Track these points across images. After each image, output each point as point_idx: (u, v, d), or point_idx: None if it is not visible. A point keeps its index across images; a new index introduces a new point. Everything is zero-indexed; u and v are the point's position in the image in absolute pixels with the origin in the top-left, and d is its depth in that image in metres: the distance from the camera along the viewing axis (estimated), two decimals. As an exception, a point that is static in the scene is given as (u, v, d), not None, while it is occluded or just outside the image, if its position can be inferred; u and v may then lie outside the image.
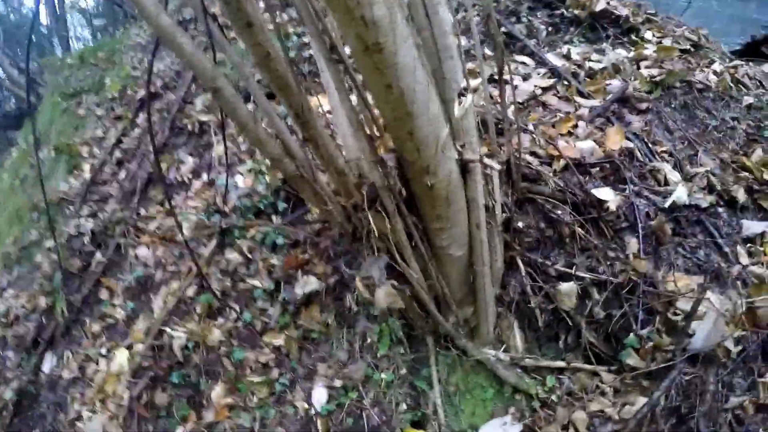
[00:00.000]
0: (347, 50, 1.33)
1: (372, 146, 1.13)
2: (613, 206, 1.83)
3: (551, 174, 1.84)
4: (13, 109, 5.57)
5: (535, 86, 2.30)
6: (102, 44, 4.43)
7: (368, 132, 1.15)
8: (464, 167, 1.25)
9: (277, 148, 1.18)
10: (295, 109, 1.19)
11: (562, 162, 1.87)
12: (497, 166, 1.15)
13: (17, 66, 5.52)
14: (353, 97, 1.28)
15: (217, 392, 2.10)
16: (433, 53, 1.27)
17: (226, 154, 1.62)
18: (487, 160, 1.10)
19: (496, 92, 1.83)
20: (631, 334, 1.80)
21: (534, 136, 1.95)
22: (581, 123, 2.12)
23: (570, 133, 2.07)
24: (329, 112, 1.67)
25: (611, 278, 1.75)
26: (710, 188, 2.08)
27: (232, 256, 1.97)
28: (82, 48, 5.35)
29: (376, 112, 1.33)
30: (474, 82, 1.36)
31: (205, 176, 2.29)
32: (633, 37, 2.96)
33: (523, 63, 2.47)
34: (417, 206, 1.27)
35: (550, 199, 1.78)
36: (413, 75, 1.05)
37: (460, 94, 1.18)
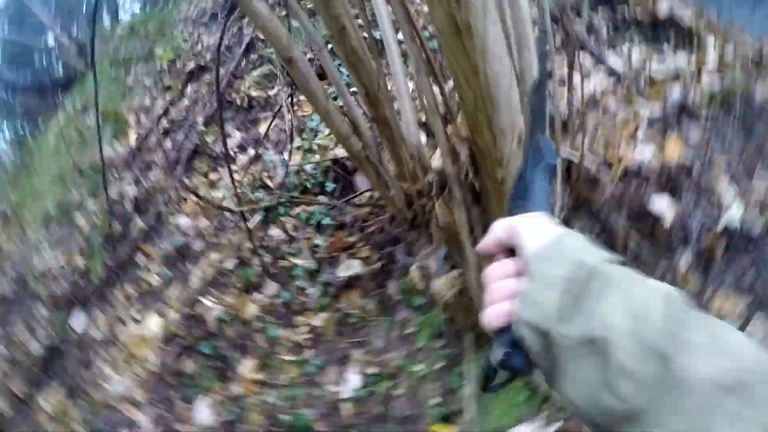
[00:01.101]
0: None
1: (446, 132, 1.09)
2: (668, 219, 1.76)
3: (609, 180, 1.78)
4: (61, 76, 5.69)
5: (594, 87, 2.23)
6: (151, 16, 4.49)
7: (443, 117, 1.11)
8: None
9: (345, 125, 1.16)
10: (367, 87, 1.16)
11: (621, 167, 1.81)
12: (575, 158, 1.10)
13: (68, 33, 5.62)
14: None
15: (247, 367, 2.10)
16: (512, 43, 1.23)
17: (292, 126, 1.60)
18: (565, 152, 1.06)
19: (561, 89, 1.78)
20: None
21: (594, 138, 1.88)
22: (641, 129, 2.05)
23: (631, 138, 2.00)
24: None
25: (663, 291, 1.69)
26: (764, 210, 1.99)
27: (276, 232, 1.96)
28: (132, 19, 5.43)
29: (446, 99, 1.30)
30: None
31: (251, 151, 2.28)
32: (694, 43, 2.84)
33: (582, 62, 2.40)
34: (482, 200, 1.23)
35: (605, 205, 1.72)
36: (500, 61, 1.01)
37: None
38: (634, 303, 0.42)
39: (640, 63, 2.56)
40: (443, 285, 1.21)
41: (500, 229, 0.55)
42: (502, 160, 1.07)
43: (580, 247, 0.48)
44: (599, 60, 2.44)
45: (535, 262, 0.48)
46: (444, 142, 1.08)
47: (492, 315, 0.50)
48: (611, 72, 2.36)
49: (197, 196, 1.94)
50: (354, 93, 1.33)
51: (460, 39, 0.95)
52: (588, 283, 0.44)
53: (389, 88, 1.61)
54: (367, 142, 1.16)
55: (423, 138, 1.37)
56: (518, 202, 0.60)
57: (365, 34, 1.27)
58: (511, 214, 0.58)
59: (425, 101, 1.08)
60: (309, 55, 1.99)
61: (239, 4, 1.13)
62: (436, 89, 1.18)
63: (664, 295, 0.42)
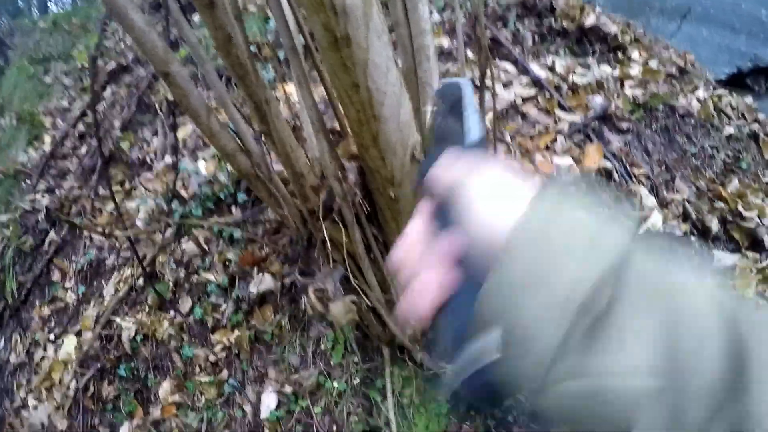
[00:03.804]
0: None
1: (333, 151, 1.05)
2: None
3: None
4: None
5: (516, 95, 2.25)
6: (78, 10, 4.24)
7: (330, 135, 1.07)
8: (432, 178, 1.18)
9: (232, 142, 1.09)
10: (255, 101, 1.10)
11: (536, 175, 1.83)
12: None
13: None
14: (318, 92, 1.20)
15: (165, 389, 2.00)
16: (409, 53, 1.19)
17: (176, 141, 1.51)
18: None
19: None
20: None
21: (510, 147, 1.89)
22: (560, 138, 2.08)
23: (548, 148, 2.03)
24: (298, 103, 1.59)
25: (576, 300, 1.71)
26: (685, 216, 2.07)
27: (188, 246, 1.87)
28: (57, 12, 5.12)
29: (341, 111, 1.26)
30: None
31: (168, 158, 2.17)
32: (619, 55, 2.93)
33: (506, 70, 2.42)
34: (378, 217, 1.19)
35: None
36: (385, 75, 0.96)
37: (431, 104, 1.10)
38: (681, 332, 0.25)
39: (564, 72, 2.61)
40: (340, 310, 1.17)
41: (432, 185, 0.36)
42: (392, 178, 1.04)
43: (587, 222, 0.28)
44: (523, 69, 2.47)
45: (515, 259, 0.28)
46: (329, 161, 1.04)
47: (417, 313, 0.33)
48: (534, 81, 2.40)
49: (99, 231, 1.82)
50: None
51: (338, 52, 0.90)
52: (613, 305, 0.26)
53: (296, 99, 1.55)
54: (255, 159, 1.10)
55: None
56: (439, 143, 0.44)
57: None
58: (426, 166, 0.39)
59: (310, 116, 1.03)
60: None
61: (112, 14, 1.04)
62: (324, 103, 1.13)
63: (720, 314, 0.26)
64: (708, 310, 0.26)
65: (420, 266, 0.35)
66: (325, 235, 1.06)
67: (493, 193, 0.32)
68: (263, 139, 1.12)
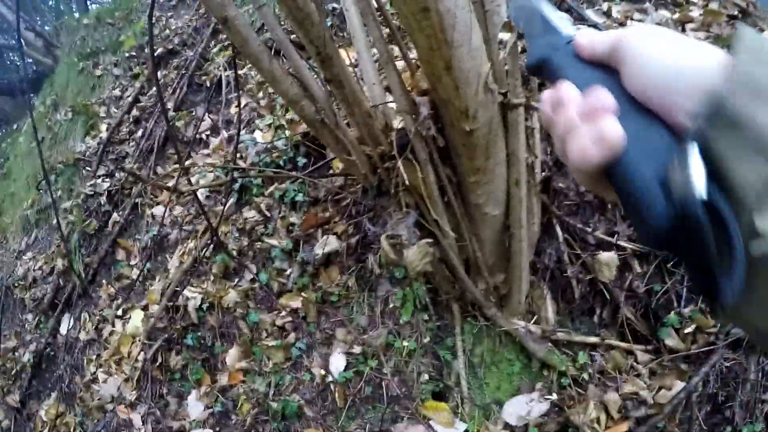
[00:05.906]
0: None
1: (403, 86, 1.00)
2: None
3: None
4: (31, 73, 5.52)
5: (575, 43, 2.13)
6: (119, 3, 4.34)
7: (400, 69, 1.02)
8: (506, 115, 1.12)
9: (295, 88, 1.06)
10: (317, 45, 1.06)
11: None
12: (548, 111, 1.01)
13: (33, 29, 5.45)
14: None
15: (232, 356, 2.04)
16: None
17: (239, 102, 1.50)
18: (536, 104, 0.97)
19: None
20: (672, 313, 1.68)
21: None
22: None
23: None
24: (355, 65, 1.55)
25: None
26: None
27: (250, 214, 1.88)
28: (99, 8, 5.26)
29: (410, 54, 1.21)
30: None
31: (223, 132, 2.19)
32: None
33: (561, 18, 2.29)
34: (451, 157, 1.14)
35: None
36: (455, -3, 0.91)
37: (505, 29, 1.04)
38: None
39: (622, 18, 2.46)
40: (415, 255, 1.13)
41: (599, 41, 0.36)
42: (467, 110, 0.98)
43: None
44: (579, 16, 2.34)
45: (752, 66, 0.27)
46: (401, 95, 0.99)
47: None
48: (592, 28, 2.26)
49: (165, 188, 1.85)
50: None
51: (406, -27, 0.85)
52: None
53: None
54: (320, 104, 1.07)
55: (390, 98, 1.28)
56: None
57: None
58: (534, 62, 0.41)
59: (379, 50, 0.99)
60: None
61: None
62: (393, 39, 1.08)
63: None
64: None
65: (577, 118, 0.34)
66: (401, 172, 1.02)
67: (671, 42, 0.32)
68: (328, 84, 1.08)
